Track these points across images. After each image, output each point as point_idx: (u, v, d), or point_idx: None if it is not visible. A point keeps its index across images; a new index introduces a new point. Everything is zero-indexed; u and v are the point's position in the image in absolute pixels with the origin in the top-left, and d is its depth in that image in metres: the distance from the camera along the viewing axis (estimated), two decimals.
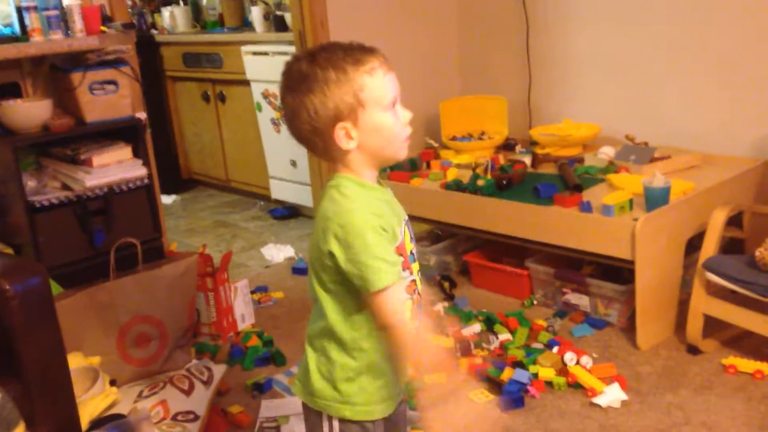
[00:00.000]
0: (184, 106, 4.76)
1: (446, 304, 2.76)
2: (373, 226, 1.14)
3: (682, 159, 2.73)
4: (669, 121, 2.97)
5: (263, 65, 3.88)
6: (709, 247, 2.25)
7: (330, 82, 1.14)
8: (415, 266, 1.26)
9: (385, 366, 1.25)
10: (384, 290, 1.14)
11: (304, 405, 1.30)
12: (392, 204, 1.25)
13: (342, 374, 1.23)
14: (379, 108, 1.17)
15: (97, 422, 1.75)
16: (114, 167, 2.41)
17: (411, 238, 1.27)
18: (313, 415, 1.29)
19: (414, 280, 1.24)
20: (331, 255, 1.16)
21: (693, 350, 2.29)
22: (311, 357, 1.27)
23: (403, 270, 1.20)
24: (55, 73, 2.51)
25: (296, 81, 1.16)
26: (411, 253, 1.25)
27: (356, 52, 1.17)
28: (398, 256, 1.19)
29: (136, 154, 2.48)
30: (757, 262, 2.11)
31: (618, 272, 2.51)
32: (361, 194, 1.19)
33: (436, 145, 3.38)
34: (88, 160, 2.37)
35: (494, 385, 2.18)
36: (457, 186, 2.82)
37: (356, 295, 1.18)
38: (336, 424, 1.26)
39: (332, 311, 1.22)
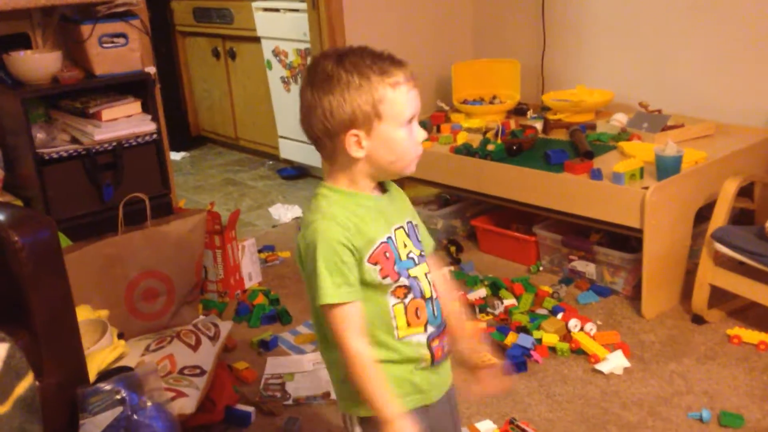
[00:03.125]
0: (194, 62, 4.72)
1: (452, 268, 2.76)
2: (331, 245, 1.14)
3: (696, 128, 2.70)
4: (683, 89, 2.93)
5: (274, 22, 3.83)
6: (719, 218, 2.23)
7: (351, 86, 1.13)
8: (420, 269, 1.23)
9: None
10: (327, 307, 1.15)
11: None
12: (383, 210, 1.21)
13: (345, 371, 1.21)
14: (395, 123, 1.15)
15: (105, 374, 1.77)
16: (123, 121, 2.40)
17: (413, 242, 1.24)
18: (343, 420, 1.29)
19: (405, 286, 1.20)
20: (299, 256, 1.21)
21: (698, 320, 2.30)
22: (326, 363, 1.29)
23: (383, 277, 1.18)
24: (65, 24, 2.48)
25: (319, 78, 1.15)
26: (408, 257, 1.21)
27: (384, 63, 1.15)
28: (371, 268, 1.16)
29: (145, 108, 2.47)
30: (767, 234, 2.10)
31: (625, 240, 2.50)
32: (337, 205, 1.18)
33: (446, 108, 3.35)
34: (97, 114, 2.36)
35: (498, 349, 2.20)
36: (466, 150, 2.80)
37: None
38: (356, 423, 1.25)
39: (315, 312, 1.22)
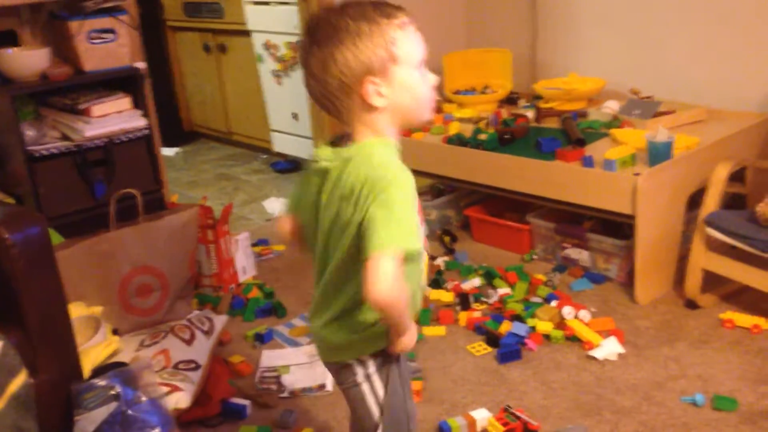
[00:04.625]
0: (185, 57, 4.71)
1: (447, 258, 2.76)
2: (411, 197, 1.13)
3: (687, 114, 2.70)
4: (675, 75, 2.93)
5: (265, 15, 3.82)
6: (711, 203, 2.24)
7: (362, 33, 1.10)
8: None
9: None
10: (396, 252, 1.09)
11: (334, 368, 1.33)
12: None
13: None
14: (410, 65, 1.14)
15: (100, 370, 1.77)
16: (113, 117, 2.40)
17: None
18: (344, 373, 1.31)
19: (425, 240, 1.26)
20: (362, 218, 1.11)
21: (691, 305, 2.31)
22: (344, 322, 1.26)
23: (420, 224, 1.21)
24: (53, 21, 2.48)
25: (324, 33, 1.11)
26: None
27: (386, 7, 1.13)
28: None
29: (136, 104, 2.47)
30: (758, 218, 2.10)
31: (618, 227, 2.51)
32: (397, 157, 1.17)
33: (438, 98, 3.35)
34: (87, 110, 2.36)
35: (492, 337, 2.20)
36: (459, 140, 2.80)
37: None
38: (369, 359, 1.28)
39: (356, 274, 1.16)
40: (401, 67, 1.13)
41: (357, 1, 1.14)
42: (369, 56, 1.10)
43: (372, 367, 1.30)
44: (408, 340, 1.26)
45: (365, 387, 1.30)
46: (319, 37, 1.11)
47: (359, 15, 1.11)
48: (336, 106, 1.16)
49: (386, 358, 1.29)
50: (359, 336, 1.27)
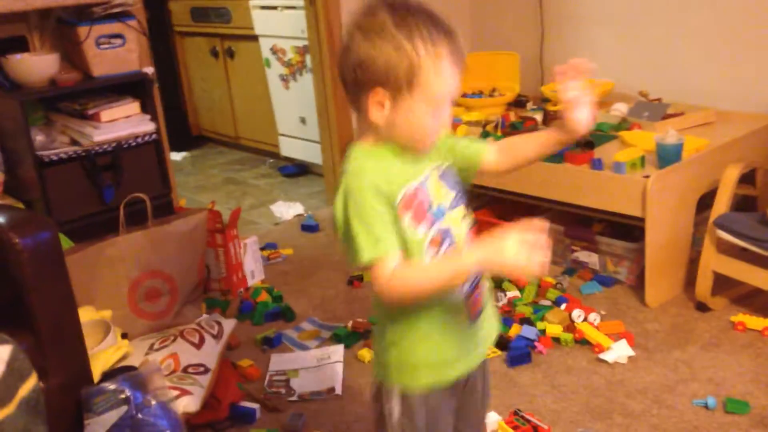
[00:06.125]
0: (193, 62, 4.72)
1: None
2: (362, 198, 1.07)
3: (696, 115, 2.69)
4: (684, 77, 2.92)
5: (272, 20, 3.83)
6: (721, 205, 2.23)
7: (393, 44, 1.04)
8: (451, 217, 1.15)
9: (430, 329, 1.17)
10: (370, 266, 1.07)
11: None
12: (412, 160, 1.14)
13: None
14: (424, 100, 1.07)
15: (109, 374, 1.77)
16: (122, 122, 2.41)
17: (447, 186, 1.17)
18: (376, 392, 1.24)
19: (438, 235, 1.13)
20: (335, 217, 1.12)
21: (702, 308, 2.29)
22: (376, 330, 1.23)
23: (419, 223, 1.11)
24: (62, 26, 2.49)
25: (366, 23, 1.07)
26: (438, 207, 1.14)
27: (436, 29, 1.06)
28: (403, 217, 1.09)
29: (144, 109, 2.48)
30: None
31: (628, 230, 2.50)
32: (364, 158, 1.12)
33: None
34: (95, 115, 2.37)
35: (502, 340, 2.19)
36: None
37: None
38: (395, 397, 1.20)
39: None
40: (413, 97, 1.06)
41: (418, 8, 1.07)
42: (388, 70, 1.05)
43: (396, 409, 1.18)
44: (498, 259, 1.01)
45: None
46: (362, 24, 1.07)
47: (403, 23, 1.05)
48: (348, 93, 1.12)
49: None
50: (381, 353, 1.19)
